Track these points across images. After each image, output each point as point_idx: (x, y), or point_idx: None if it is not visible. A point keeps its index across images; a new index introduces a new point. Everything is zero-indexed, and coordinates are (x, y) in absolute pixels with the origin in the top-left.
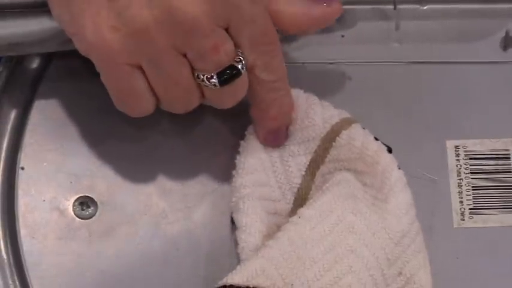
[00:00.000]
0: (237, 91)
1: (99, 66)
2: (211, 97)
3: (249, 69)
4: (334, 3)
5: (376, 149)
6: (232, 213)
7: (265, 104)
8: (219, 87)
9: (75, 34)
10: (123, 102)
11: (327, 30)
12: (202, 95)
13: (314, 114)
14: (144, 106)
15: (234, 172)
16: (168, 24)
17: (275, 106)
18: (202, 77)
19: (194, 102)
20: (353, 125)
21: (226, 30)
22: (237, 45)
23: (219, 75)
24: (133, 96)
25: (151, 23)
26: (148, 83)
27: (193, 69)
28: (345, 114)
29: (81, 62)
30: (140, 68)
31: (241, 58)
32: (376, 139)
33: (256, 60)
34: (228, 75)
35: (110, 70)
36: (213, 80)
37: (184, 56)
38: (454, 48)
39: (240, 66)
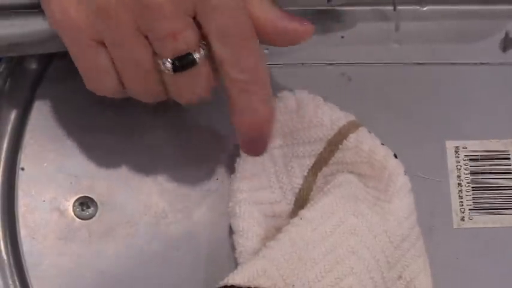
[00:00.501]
0: (194, 83)
1: (66, 43)
2: (168, 85)
3: (219, 63)
4: (307, 23)
5: (384, 153)
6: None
7: (238, 108)
8: (172, 73)
9: (46, 13)
10: (89, 79)
11: (326, 30)
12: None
13: (322, 114)
14: (108, 84)
15: (232, 176)
16: (132, 4)
17: (249, 112)
18: (159, 61)
19: (156, 89)
20: (360, 129)
21: (196, 19)
22: (205, 35)
23: (173, 60)
24: (97, 73)
25: (115, 2)
26: (112, 61)
27: (154, 53)
28: (351, 117)
29: None
30: (104, 46)
31: (203, 49)
32: (382, 144)
33: (225, 53)
34: (182, 61)
35: (76, 47)
36: (167, 64)
37: (147, 38)
38: (454, 49)
39: (197, 56)
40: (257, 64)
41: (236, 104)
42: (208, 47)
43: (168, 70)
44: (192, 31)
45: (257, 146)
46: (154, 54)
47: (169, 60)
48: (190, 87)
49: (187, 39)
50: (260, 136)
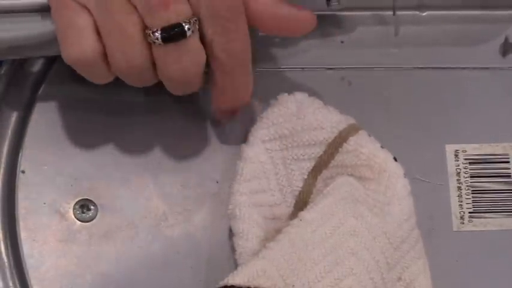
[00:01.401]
0: (182, 57)
1: (49, 2)
2: (157, 58)
3: (207, 42)
4: (308, 12)
5: (384, 157)
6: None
7: (219, 87)
8: (161, 43)
9: None
10: (65, 39)
11: (326, 35)
12: (150, 58)
13: (322, 117)
14: (84, 47)
15: (232, 178)
16: None
17: (229, 92)
18: (148, 31)
19: (141, 64)
20: (360, 132)
21: None
22: (196, 14)
23: (163, 30)
24: (74, 32)
25: None
26: (94, 24)
27: (144, 29)
28: (351, 120)
29: None
30: (86, 9)
31: (193, 23)
32: (382, 147)
33: (214, 34)
34: (172, 32)
35: (57, 5)
36: (156, 34)
37: (135, 8)
38: (453, 53)
39: (187, 27)
40: (244, 48)
41: (219, 83)
42: (198, 25)
43: (157, 40)
44: (184, 4)
45: (229, 114)
46: (144, 27)
47: (158, 30)
48: (179, 61)
49: (179, 10)
50: (234, 109)
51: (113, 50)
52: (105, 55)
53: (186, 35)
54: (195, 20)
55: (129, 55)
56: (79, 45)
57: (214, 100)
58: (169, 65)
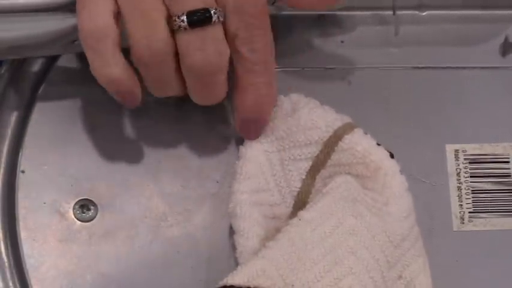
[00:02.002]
0: (206, 44)
1: None
2: (180, 46)
3: (231, 38)
4: None
5: (379, 154)
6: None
7: (242, 87)
8: (187, 27)
9: None
10: (82, 9)
11: (326, 35)
12: (173, 46)
13: (317, 117)
14: (101, 15)
15: (232, 178)
16: None
17: (252, 92)
18: (174, 17)
19: (163, 48)
20: (355, 130)
21: None
22: (221, 5)
23: (189, 15)
24: (91, 4)
25: None
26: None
27: (169, 17)
28: (347, 119)
29: (83, 66)
30: None
31: (219, 12)
32: (378, 144)
33: (238, 30)
34: (198, 16)
35: None
36: (182, 17)
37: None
38: (453, 53)
39: (213, 12)
40: (267, 46)
41: (241, 81)
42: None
43: (183, 23)
44: None
45: (253, 128)
46: (168, 16)
47: (184, 15)
48: (202, 48)
49: None
50: (258, 117)
51: (135, 35)
52: (119, 34)
53: (211, 20)
54: (221, 10)
55: (152, 39)
56: (96, 17)
57: (237, 107)
58: (192, 53)
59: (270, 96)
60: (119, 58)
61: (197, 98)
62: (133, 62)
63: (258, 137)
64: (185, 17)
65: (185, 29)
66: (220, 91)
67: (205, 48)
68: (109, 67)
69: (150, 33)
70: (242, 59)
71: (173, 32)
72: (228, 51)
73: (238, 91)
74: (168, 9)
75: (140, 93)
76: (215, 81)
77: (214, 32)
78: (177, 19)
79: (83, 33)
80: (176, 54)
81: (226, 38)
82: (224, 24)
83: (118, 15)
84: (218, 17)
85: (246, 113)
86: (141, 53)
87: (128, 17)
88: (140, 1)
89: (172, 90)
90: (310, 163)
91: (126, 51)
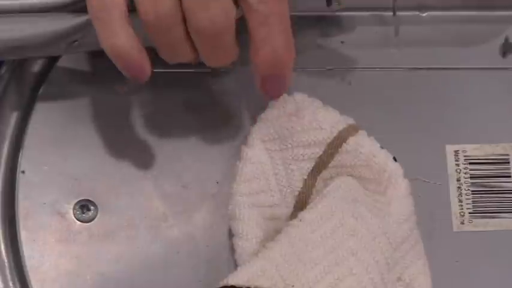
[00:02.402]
0: (210, 4)
1: None
2: (185, 7)
3: None
4: None
5: (383, 157)
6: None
7: (256, 42)
8: None
9: None
10: None
11: (326, 36)
12: (179, 10)
13: (322, 117)
14: None
15: (232, 179)
16: None
17: (266, 45)
18: None
19: (169, 10)
20: (359, 132)
21: None
22: None
23: None
24: None
25: None
26: None
27: None
28: (351, 121)
29: (83, 66)
30: None
31: None
32: (381, 147)
33: None
34: None
35: None
36: None
37: None
38: (453, 54)
39: None
40: (280, 1)
41: (256, 36)
42: None
43: None
44: None
45: (276, 85)
46: None
47: None
48: (206, 9)
49: None
50: (279, 73)
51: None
52: (126, 4)
53: None
54: None
55: (158, 5)
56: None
57: (255, 65)
58: (198, 13)
59: (288, 49)
60: (127, 29)
61: (208, 59)
62: (143, 28)
63: (281, 95)
64: None
65: None
66: (230, 52)
67: (210, 8)
68: (117, 38)
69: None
70: (254, 12)
71: None
72: (233, 10)
73: (254, 48)
74: None
75: (149, 66)
76: (223, 42)
77: None
78: None
79: (90, 3)
80: (184, 18)
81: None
82: None
83: None
84: None
85: (265, 70)
86: (148, 16)
87: None
88: None
89: (184, 55)
90: (313, 164)
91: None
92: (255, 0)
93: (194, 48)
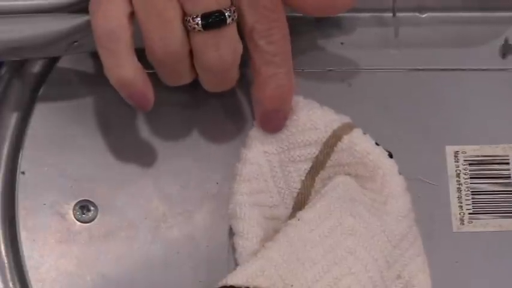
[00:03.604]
0: (220, 44)
1: None
2: (194, 46)
3: (248, 31)
4: None
5: (378, 154)
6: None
7: (262, 79)
8: (201, 29)
9: None
10: (97, 8)
11: (326, 37)
12: (187, 45)
13: (316, 118)
14: (115, 16)
15: (232, 179)
16: None
17: (272, 83)
18: (188, 17)
19: (178, 47)
20: (354, 130)
21: None
22: (236, 3)
23: (204, 17)
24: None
25: None
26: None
27: (183, 16)
28: (346, 119)
29: (83, 67)
30: None
31: (233, 12)
32: (377, 144)
33: (255, 23)
34: (213, 18)
35: None
36: (197, 19)
37: None
38: (453, 55)
39: (227, 14)
40: (285, 37)
41: (261, 74)
42: (238, 14)
43: (198, 25)
44: None
45: (275, 120)
46: (183, 14)
47: (199, 17)
48: (217, 48)
49: None
50: (280, 108)
51: (150, 34)
52: (132, 35)
53: (226, 22)
54: (234, 10)
55: (167, 40)
56: (109, 17)
57: (257, 102)
58: (207, 53)
59: (290, 87)
60: (132, 60)
61: (209, 87)
62: (148, 59)
63: (280, 130)
64: (199, 19)
65: (199, 30)
66: (232, 80)
67: (220, 48)
68: (122, 68)
69: (165, 33)
70: (261, 52)
71: (187, 31)
72: (241, 48)
73: (259, 84)
74: (182, 8)
75: (153, 96)
76: (229, 76)
77: (229, 32)
78: (191, 20)
79: (97, 33)
80: (190, 51)
81: (244, 32)
82: (241, 18)
83: (132, 16)
84: (232, 19)
85: (268, 105)
86: (156, 52)
87: (143, 17)
88: (155, 0)
89: (185, 80)
90: (310, 164)
91: (140, 51)
92: (264, 41)
93: (196, 73)
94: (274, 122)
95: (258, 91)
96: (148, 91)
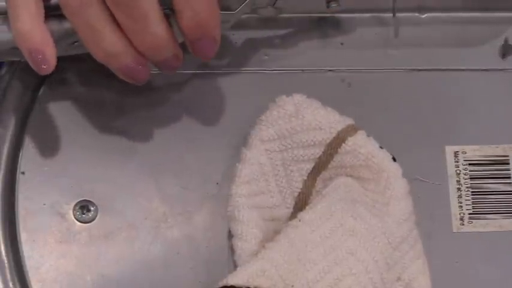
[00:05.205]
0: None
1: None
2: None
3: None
4: None
5: (382, 157)
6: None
7: (178, 7)
8: None
9: None
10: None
11: (326, 37)
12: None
13: (321, 117)
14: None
15: (232, 180)
16: None
17: (188, 10)
18: None
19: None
20: (358, 132)
21: None
22: None
23: None
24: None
25: None
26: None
27: None
28: (350, 121)
29: (83, 68)
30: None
31: None
32: (381, 147)
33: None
34: None
35: None
36: None
37: None
38: (453, 55)
39: None
40: None
41: (177, 1)
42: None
43: None
44: None
45: (206, 47)
46: None
47: None
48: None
49: None
50: (207, 35)
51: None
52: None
53: None
54: None
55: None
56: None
57: (183, 33)
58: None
59: (210, 11)
60: (30, 12)
61: (137, 44)
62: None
63: (213, 55)
64: None
65: None
66: (155, 32)
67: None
68: (18, 20)
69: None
70: None
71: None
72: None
73: (177, 13)
74: None
75: (54, 58)
76: (140, 8)
77: None
78: None
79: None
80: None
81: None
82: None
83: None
84: None
85: (192, 34)
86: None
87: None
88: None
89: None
90: (312, 164)
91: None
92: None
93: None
94: (205, 49)
95: (178, 21)
96: (46, 48)
